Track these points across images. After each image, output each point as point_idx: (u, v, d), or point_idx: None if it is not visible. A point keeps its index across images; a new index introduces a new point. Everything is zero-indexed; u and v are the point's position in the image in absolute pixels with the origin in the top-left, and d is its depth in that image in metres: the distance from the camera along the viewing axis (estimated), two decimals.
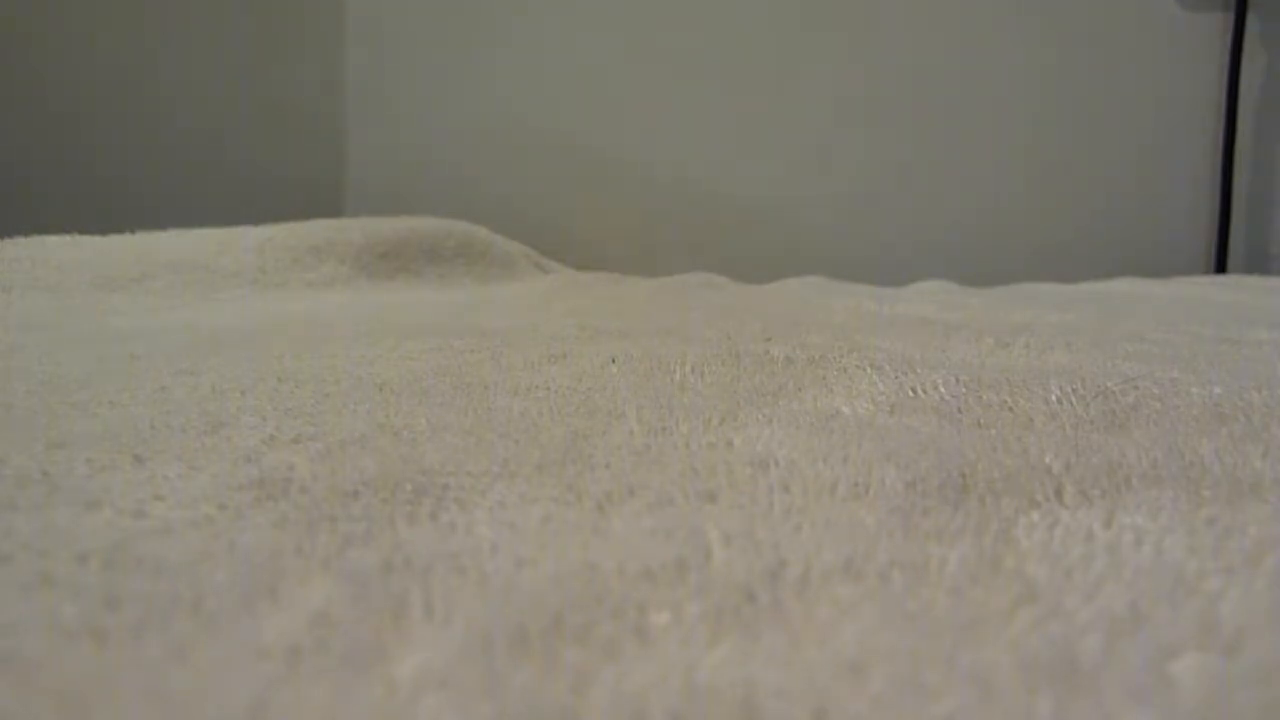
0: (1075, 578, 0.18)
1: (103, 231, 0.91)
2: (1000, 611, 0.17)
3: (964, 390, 0.34)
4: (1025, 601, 0.17)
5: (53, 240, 0.84)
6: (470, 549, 0.20)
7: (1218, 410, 0.31)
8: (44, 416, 0.31)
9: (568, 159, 1.33)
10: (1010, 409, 0.32)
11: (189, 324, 0.56)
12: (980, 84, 1.25)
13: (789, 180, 1.30)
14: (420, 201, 1.32)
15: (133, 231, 0.92)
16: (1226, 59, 1.19)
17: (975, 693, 0.14)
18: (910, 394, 0.34)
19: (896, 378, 0.36)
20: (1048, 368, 0.39)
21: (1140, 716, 0.14)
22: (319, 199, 1.37)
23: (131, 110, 1.39)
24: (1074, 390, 0.34)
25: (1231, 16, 1.18)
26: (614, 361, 0.40)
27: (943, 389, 0.34)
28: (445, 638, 0.16)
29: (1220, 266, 1.20)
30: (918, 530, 0.21)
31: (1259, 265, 1.20)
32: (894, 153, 1.27)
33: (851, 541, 0.20)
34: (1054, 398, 0.33)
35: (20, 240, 0.83)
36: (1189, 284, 0.95)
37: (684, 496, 0.23)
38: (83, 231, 0.91)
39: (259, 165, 1.38)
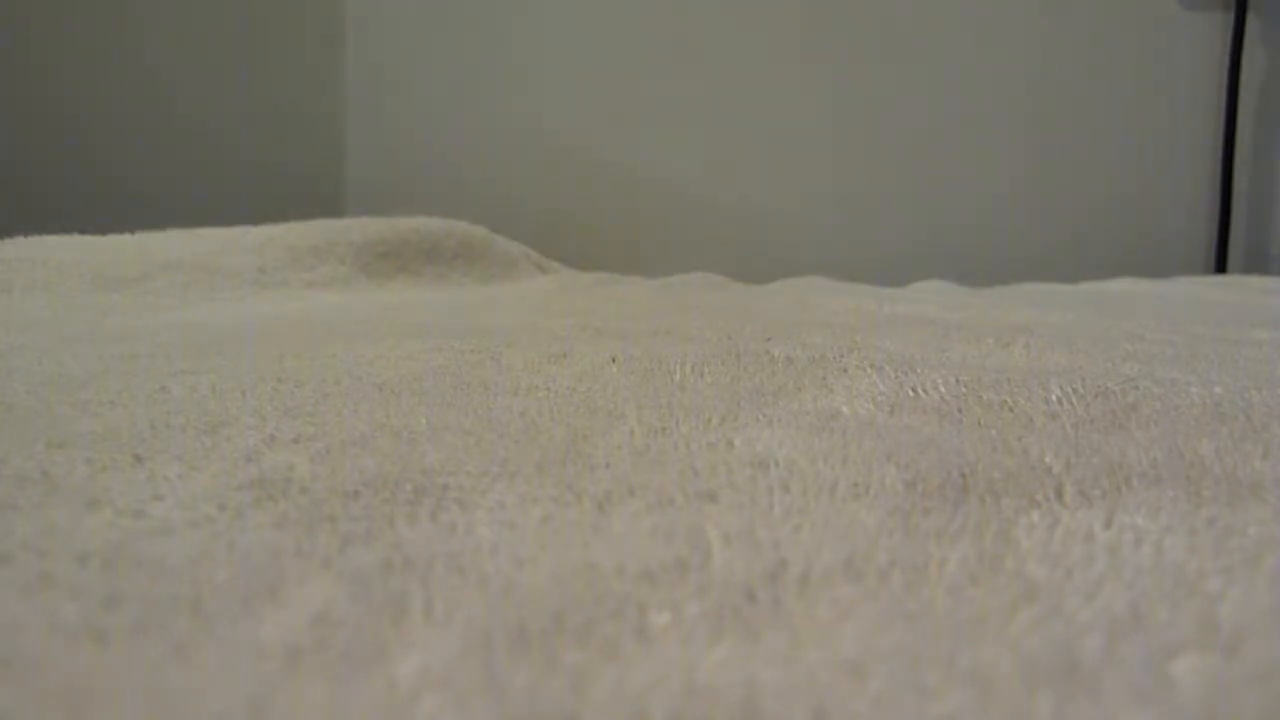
0: (1075, 578, 0.18)
1: (103, 231, 0.91)
2: (1000, 611, 0.17)
3: (964, 390, 0.34)
4: (1025, 601, 0.17)
5: (53, 240, 0.84)
6: (470, 549, 0.20)
7: (1218, 410, 0.31)
8: (44, 416, 0.31)
9: (568, 159, 1.34)
10: (1010, 409, 0.32)
11: (189, 324, 0.56)
12: (980, 84, 1.25)
13: (789, 181, 1.30)
14: (420, 201, 1.32)
15: (133, 231, 0.92)
16: (1226, 59, 1.19)
17: (975, 693, 0.14)
18: (910, 394, 0.34)
19: (896, 378, 0.36)
20: (1048, 368, 0.39)
21: (1140, 716, 0.14)
22: (319, 199, 1.37)
23: (131, 110, 1.39)
24: (1074, 390, 0.34)
25: (1231, 16, 1.18)
26: (614, 361, 0.40)
27: (943, 389, 0.34)
28: (445, 638, 0.16)
29: (1220, 266, 1.20)
30: (918, 530, 0.21)
31: (1259, 265, 1.21)
32: (893, 153, 1.27)
33: (851, 541, 0.20)
34: (1054, 398, 0.33)
35: (20, 240, 0.83)
36: (1189, 284, 0.95)
37: (684, 496, 0.23)
38: (83, 231, 0.91)
39: (259, 165, 1.38)
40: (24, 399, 0.33)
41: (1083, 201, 1.24)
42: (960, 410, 0.32)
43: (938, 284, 0.98)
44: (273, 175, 1.38)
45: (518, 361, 0.41)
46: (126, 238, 0.89)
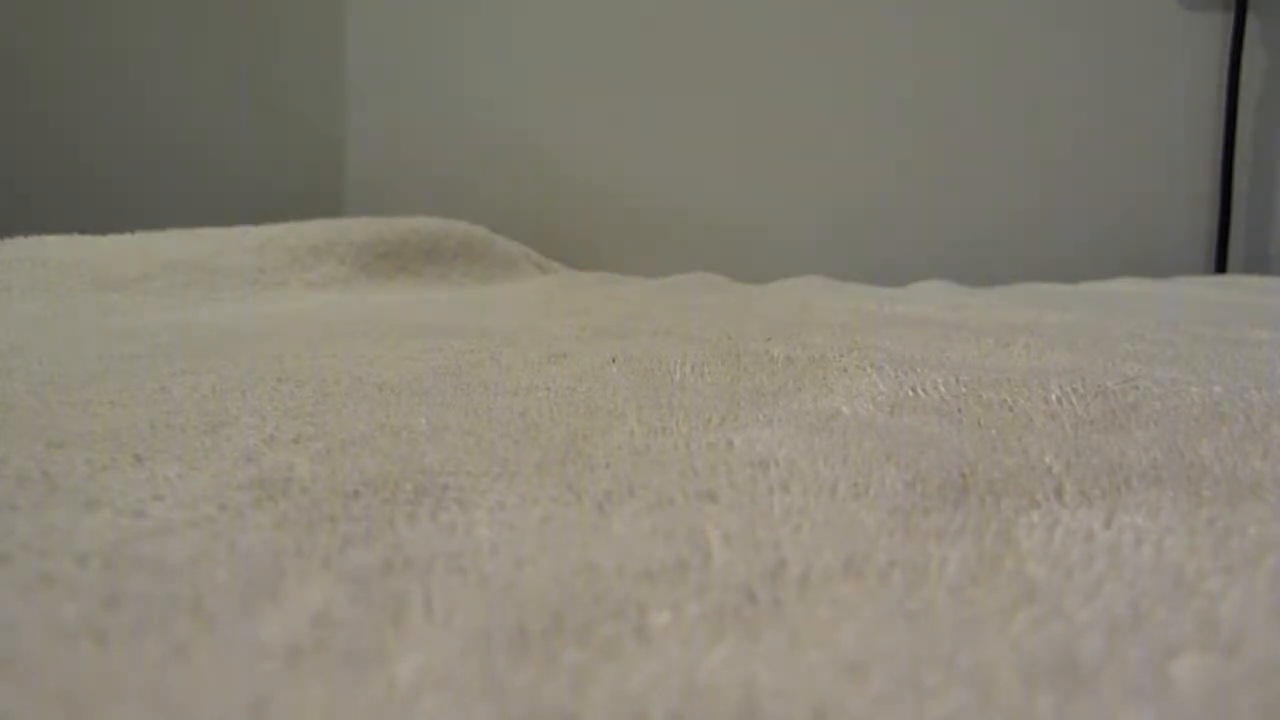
0: (1075, 578, 0.18)
1: (103, 231, 0.91)
2: (1000, 611, 0.17)
3: (964, 390, 0.34)
4: (1025, 601, 0.17)
5: (53, 240, 0.84)
6: (470, 549, 0.20)
7: (1218, 410, 0.31)
8: (44, 416, 0.31)
9: (567, 160, 1.34)
10: (1010, 409, 0.32)
11: (189, 324, 0.56)
12: (980, 85, 1.25)
13: (789, 183, 1.30)
14: (420, 201, 1.32)
15: (133, 231, 0.92)
16: (1226, 59, 1.19)
17: (975, 693, 0.14)
18: (910, 394, 0.34)
19: (896, 378, 0.36)
20: (1048, 368, 0.39)
21: (1140, 716, 0.14)
22: (319, 199, 1.37)
23: (131, 110, 1.39)
24: (1074, 390, 0.34)
25: (1231, 16, 1.18)
26: (614, 361, 0.40)
27: (943, 389, 0.34)
28: (445, 638, 0.16)
29: (1220, 266, 1.20)
30: (918, 530, 0.21)
31: (1259, 265, 1.20)
32: (894, 154, 1.27)
33: (851, 541, 0.20)
34: (1054, 398, 0.33)
35: (20, 240, 0.83)
36: (1189, 284, 0.95)
37: (684, 496, 0.23)
38: (83, 231, 0.91)
39: (259, 165, 1.38)
40: (24, 399, 0.33)
41: (1083, 201, 1.24)
42: (960, 410, 0.32)
43: (938, 284, 0.98)
44: (273, 175, 1.38)
45: (518, 361, 0.41)
46: (126, 238, 0.89)
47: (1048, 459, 0.26)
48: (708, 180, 1.31)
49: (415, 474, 0.24)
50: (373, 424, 0.30)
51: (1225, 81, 1.19)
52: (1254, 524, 0.21)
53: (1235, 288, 0.89)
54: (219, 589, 0.17)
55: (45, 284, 0.73)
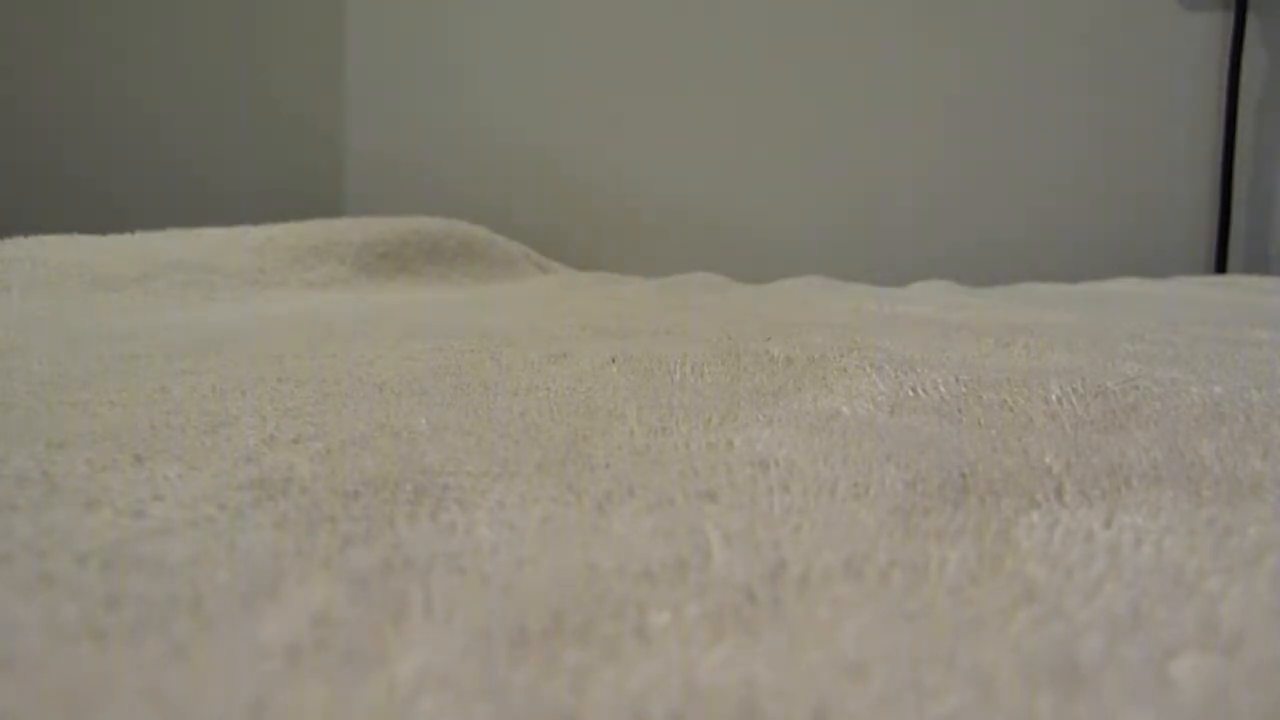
0: (1075, 578, 0.18)
1: (103, 231, 0.91)
2: (1000, 611, 0.17)
3: (964, 390, 0.34)
4: (1025, 601, 0.17)
5: (52, 240, 0.84)
6: (470, 549, 0.20)
7: (1218, 410, 0.31)
8: (44, 416, 0.31)
9: (567, 161, 1.34)
10: (1010, 409, 0.32)
11: (189, 324, 0.56)
12: (980, 85, 1.25)
13: (789, 181, 1.30)
14: (420, 202, 1.32)
15: (133, 231, 0.92)
16: (1226, 59, 1.19)
17: (975, 693, 0.14)
18: (910, 394, 0.34)
19: (896, 378, 0.36)
20: (1048, 368, 0.39)
21: (1140, 716, 0.14)
22: (319, 199, 1.37)
23: (131, 111, 1.39)
24: (1074, 390, 0.34)
25: (1231, 16, 1.18)
26: (614, 361, 0.40)
27: (943, 389, 0.34)
28: (445, 638, 0.16)
29: (1220, 266, 1.20)
30: (918, 530, 0.21)
31: (1259, 265, 1.21)
32: (894, 154, 1.27)
33: (851, 541, 0.20)
34: (1054, 398, 0.33)
35: (20, 240, 0.83)
36: (1189, 284, 0.95)
37: (684, 496, 0.23)
38: (83, 231, 0.91)
39: (259, 165, 1.38)
40: (24, 399, 0.33)
41: (1082, 201, 1.24)
42: (960, 410, 0.32)
43: (938, 284, 0.98)
44: (273, 175, 1.38)
45: (518, 361, 0.41)
46: (126, 238, 0.89)
47: (1048, 459, 0.26)
48: (708, 180, 1.31)
49: (415, 474, 0.24)
50: (373, 424, 0.30)
51: (1225, 81, 1.19)
52: (1254, 524, 0.21)
53: (1235, 288, 0.89)
54: (219, 589, 0.17)
55: (45, 284, 0.73)
